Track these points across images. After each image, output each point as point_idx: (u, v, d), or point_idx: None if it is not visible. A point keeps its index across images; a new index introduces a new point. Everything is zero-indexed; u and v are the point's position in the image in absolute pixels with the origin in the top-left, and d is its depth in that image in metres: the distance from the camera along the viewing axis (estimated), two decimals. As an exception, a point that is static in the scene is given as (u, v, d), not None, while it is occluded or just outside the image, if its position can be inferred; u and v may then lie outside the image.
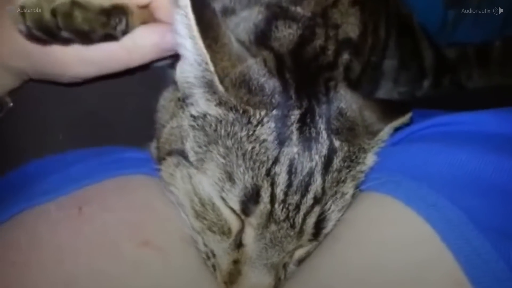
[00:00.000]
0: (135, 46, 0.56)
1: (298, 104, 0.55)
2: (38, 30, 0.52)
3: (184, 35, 0.53)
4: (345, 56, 0.62)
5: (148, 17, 0.58)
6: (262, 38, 0.58)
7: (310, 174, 0.54)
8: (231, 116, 0.54)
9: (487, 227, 0.48)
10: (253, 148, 0.53)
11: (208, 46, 0.52)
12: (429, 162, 0.55)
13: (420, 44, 0.96)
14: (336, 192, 0.56)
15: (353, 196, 0.58)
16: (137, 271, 0.53)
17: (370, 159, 0.60)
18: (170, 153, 0.58)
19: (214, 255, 0.57)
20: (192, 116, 0.56)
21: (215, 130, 0.54)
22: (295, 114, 0.54)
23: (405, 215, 0.51)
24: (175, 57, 0.61)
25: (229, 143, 0.53)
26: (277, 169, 0.53)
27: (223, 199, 0.54)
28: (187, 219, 0.58)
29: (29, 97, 0.66)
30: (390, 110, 0.61)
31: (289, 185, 0.53)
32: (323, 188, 0.55)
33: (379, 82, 0.85)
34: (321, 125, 0.55)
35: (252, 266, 0.55)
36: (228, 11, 0.61)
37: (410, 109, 0.61)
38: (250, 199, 0.53)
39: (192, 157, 0.55)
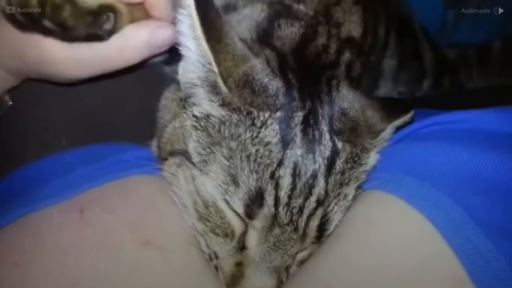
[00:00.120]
0: (126, 45, 0.55)
1: (302, 105, 0.55)
2: (21, 13, 0.50)
3: (187, 35, 0.53)
4: (347, 55, 0.61)
5: (143, 14, 0.57)
6: (264, 37, 0.58)
7: (314, 176, 0.54)
8: (234, 117, 0.54)
9: (488, 225, 0.48)
10: (257, 150, 0.53)
11: (212, 47, 0.52)
12: (431, 160, 0.55)
13: (420, 44, 0.96)
14: (339, 194, 0.56)
15: (355, 195, 0.58)
16: (139, 271, 0.53)
17: (372, 158, 0.60)
18: (172, 153, 0.58)
19: (217, 257, 0.57)
20: (194, 116, 0.56)
21: (219, 132, 0.54)
22: (299, 116, 0.54)
23: (407, 214, 0.51)
24: (169, 53, 0.61)
25: (232, 145, 0.53)
26: (281, 172, 0.53)
27: (226, 201, 0.54)
28: (190, 221, 0.57)
29: (30, 97, 0.66)
30: (392, 109, 0.61)
31: (293, 188, 0.53)
32: (326, 191, 0.55)
33: (378, 81, 0.85)
34: (324, 126, 0.55)
35: (255, 268, 0.55)
36: (229, 7, 0.61)
37: (412, 108, 0.61)
38: (254, 202, 0.53)
39: (195, 158, 0.55)
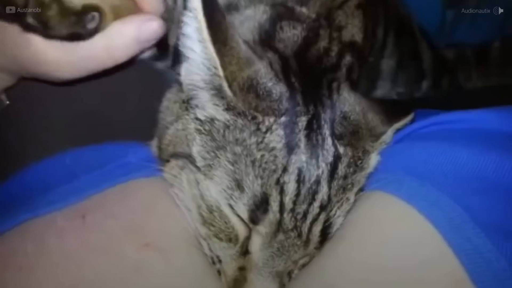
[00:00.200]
0: (114, 44, 0.54)
1: (305, 109, 0.55)
2: (3, 7, 0.49)
3: (192, 37, 0.53)
4: (348, 58, 0.61)
5: (130, 9, 0.57)
6: (266, 39, 0.58)
7: (317, 182, 0.54)
8: (239, 122, 0.54)
9: (488, 225, 0.48)
10: (262, 155, 0.53)
11: (218, 50, 0.51)
12: (431, 160, 0.55)
13: (419, 45, 0.96)
14: (341, 199, 0.56)
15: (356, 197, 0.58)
16: (139, 273, 0.53)
17: (373, 160, 0.59)
18: (174, 156, 0.57)
19: (220, 261, 0.57)
20: (198, 119, 0.56)
21: (223, 136, 0.54)
22: (303, 121, 0.54)
23: (407, 214, 0.51)
24: (157, 48, 0.60)
25: (237, 149, 0.53)
26: (286, 178, 0.53)
27: (231, 206, 0.53)
28: (193, 224, 0.57)
29: (29, 97, 0.66)
30: (392, 111, 0.61)
31: (297, 194, 0.53)
32: (329, 196, 0.55)
33: (376, 82, 0.85)
34: (326, 131, 0.55)
35: (258, 273, 0.55)
36: (231, 7, 0.61)
37: (412, 110, 0.61)
38: (259, 207, 0.52)
39: (199, 162, 0.55)
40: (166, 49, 0.67)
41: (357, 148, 0.57)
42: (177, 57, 0.66)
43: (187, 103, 0.57)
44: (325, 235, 0.56)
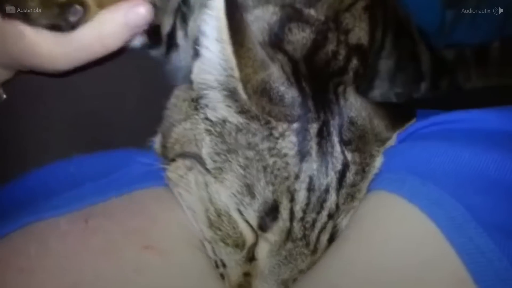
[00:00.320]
0: (105, 32, 0.54)
1: (316, 116, 0.54)
2: None
3: (210, 36, 0.52)
4: (355, 62, 0.61)
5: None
6: (275, 40, 0.57)
7: (326, 190, 0.53)
8: (252, 126, 0.53)
9: (490, 225, 0.48)
10: (274, 162, 0.52)
11: (236, 52, 0.50)
12: (433, 159, 0.55)
13: (417, 46, 0.96)
14: (348, 206, 0.55)
15: None
16: (140, 274, 0.53)
17: (378, 162, 0.59)
18: (182, 156, 0.57)
19: (224, 265, 0.56)
20: (208, 120, 0.55)
21: (235, 139, 0.53)
22: (314, 128, 0.54)
23: (410, 213, 0.51)
24: (149, 36, 0.61)
25: (249, 154, 0.52)
26: (297, 186, 0.52)
27: (240, 212, 0.53)
28: (198, 226, 0.56)
29: (30, 97, 0.66)
30: (396, 116, 0.61)
31: (307, 203, 0.53)
32: (337, 204, 0.54)
33: (374, 81, 0.85)
34: (335, 138, 0.55)
35: (263, 281, 0.54)
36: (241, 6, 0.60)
37: (415, 114, 0.62)
38: (269, 215, 0.52)
39: (209, 164, 0.54)
40: (159, 37, 0.67)
41: (364, 153, 0.57)
42: (170, 46, 0.68)
43: (196, 102, 0.56)
44: (331, 241, 0.55)
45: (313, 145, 0.53)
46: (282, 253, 0.53)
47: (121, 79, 0.64)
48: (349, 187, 0.55)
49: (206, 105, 0.55)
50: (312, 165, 0.53)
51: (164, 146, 0.60)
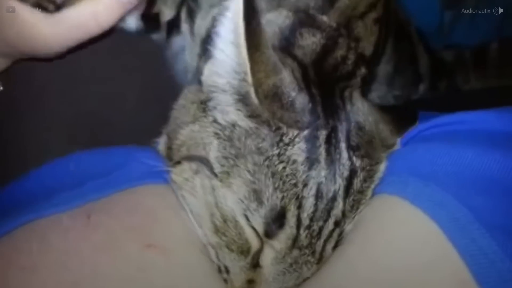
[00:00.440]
0: (99, 9, 0.55)
1: (325, 122, 0.54)
2: None
3: (226, 39, 0.51)
4: (363, 70, 0.61)
5: None
6: (286, 45, 0.57)
7: (333, 198, 0.53)
8: (262, 131, 0.52)
9: (493, 226, 0.48)
10: (283, 168, 0.51)
11: (251, 56, 0.50)
12: (435, 161, 0.54)
13: (416, 48, 0.96)
14: (354, 213, 0.55)
15: None
16: (142, 273, 0.52)
17: (383, 166, 0.59)
18: (188, 158, 0.56)
19: (227, 271, 0.55)
20: (217, 123, 0.54)
21: (244, 144, 0.52)
22: (323, 135, 0.53)
23: (413, 215, 0.51)
24: (145, 21, 0.62)
25: (258, 159, 0.52)
26: (305, 193, 0.52)
27: (246, 218, 0.52)
28: (202, 231, 0.56)
29: (31, 97, 0.66)
30: (400, 121, 0.61)
31: (315, 210, 0.52)
32: (343, 212, 0.54)
33: (371, 85, 0.85)
34: (343, 144, 0.54)
35: None
36: None
37: (417, 118, 0.62)
38: (275, 221, 0.51)
39: (217, 168, 0.53)
40: (156, 23, 0.68)
41: (372, 159, 0.56)
42: (171, 32, 0.68)
43: (205, 104, 0.56)
44: (336, 247, 0.55)
45: (322, 152, 0.53)
46: (287, 260, 0.53)
47: (121, 79, 0.64)
48: (356, 193, 0.55)
49: (215, 108, 0.55)
50: (320, 172, 0.52)
51: (169, 148, 0.59)
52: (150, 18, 0.65)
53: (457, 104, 0.68)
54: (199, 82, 0.56)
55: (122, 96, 0.69)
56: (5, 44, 0.57)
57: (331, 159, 0.53)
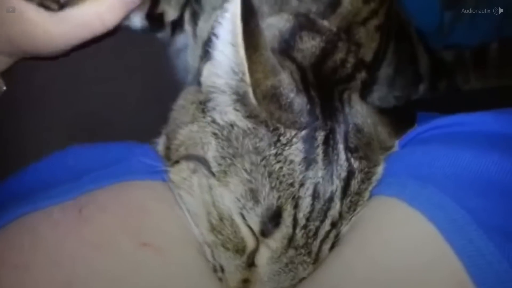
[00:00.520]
0: (103, 8, 0.55)
1: (323, 124, 0.54)
2: None
3: (224, 40, 0.52)
4: (363, 74, 0.61)
5: None
6: (286, 48, 0.58)
7: (330, 199, 0.53)
8: (260, 131, 0.53)
9: (490, 227, 0.48)
10: (280, 168, 0.52)
11: (249, 56, 0.50)
12: (433, 163, 0.55)
13: (416, 49, 0.96)
14: (351, 214, 0.55)
15: None
16: (137, 272, 0.52)
17: (380, 168, 0.59)
18: (186, 158, 0.56)
19: (223, 270, 0.56)
20: (215, 123, 0.55)
21: (242, 143, 0.53)
22: (321, 135, 0.54)
23: (410, 216, 0.51)
24: (150, 20, 0.62)
25: (255, 159, 0.52)
26: (301, 193, 0.52)
27: (243, 216, 0.52)
28: (198, 230, 0.56)
29: (31, 97, 0.66)
30: (398, 123, 0.62)
31: (311, 210, 0.52)
32: (340, 213, 0.54)
33: (372, 87, 0.85)
34: (341, 145, 0.55)
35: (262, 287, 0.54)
36: None
37: (415, 120, 0.62)
38: (271, 221, 0.52)
39: (214, 167, 0.53)
40: (160, 22, 0.68)
41: (370, 161, 0.57)
42: (175, 30, 0.69)
43: (204, 105, 0.56)
44: (332, 248, 0.55)
45: (319, 152, 0.53)
46: (283, 260, 0.53)
47: (123, 79, 0.64)
48: (353, 195, 0.55)
49: (214, 108, 0.55)
50: (317, 173, 0.53)
51: (168, 148, 0.59)
52: (154, 18, 0.66)
53: (457, 104, 0.68)
54: (199, 83, 0.57)
55: (123, 96, 0.69)
56: (8, 43, 0.57)
57: (329, 160, 0.54)
